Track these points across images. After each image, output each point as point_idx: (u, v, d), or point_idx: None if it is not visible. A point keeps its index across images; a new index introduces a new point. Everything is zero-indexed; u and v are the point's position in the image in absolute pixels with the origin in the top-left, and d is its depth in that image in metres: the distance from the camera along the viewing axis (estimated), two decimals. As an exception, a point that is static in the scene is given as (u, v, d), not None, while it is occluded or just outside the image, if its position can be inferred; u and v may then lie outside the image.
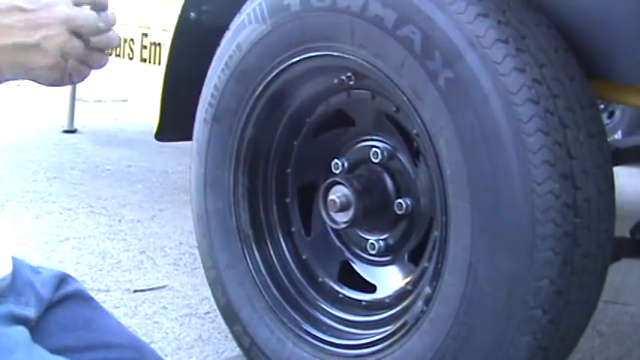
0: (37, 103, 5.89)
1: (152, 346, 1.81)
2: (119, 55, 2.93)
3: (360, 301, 1.81)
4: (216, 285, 1.95)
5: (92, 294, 1.24)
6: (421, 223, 1.70)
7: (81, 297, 1.19)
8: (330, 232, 1.87)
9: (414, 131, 1.59)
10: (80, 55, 0.95)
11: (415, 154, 1.69)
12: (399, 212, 1.69)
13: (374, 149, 1.75)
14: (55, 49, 0.93)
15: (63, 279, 1.18)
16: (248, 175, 1.90)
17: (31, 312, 1.08)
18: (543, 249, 1.36)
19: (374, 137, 1.77)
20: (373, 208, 1.71)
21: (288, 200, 1.94)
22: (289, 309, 1.84)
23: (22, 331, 1.03)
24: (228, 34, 1.86)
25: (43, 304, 1.12)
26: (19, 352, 0.99)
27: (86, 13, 0.95)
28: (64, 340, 1.11)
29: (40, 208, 3.22)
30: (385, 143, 1.75)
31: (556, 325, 1.42)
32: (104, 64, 0.98)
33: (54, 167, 3.92)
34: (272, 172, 1.93)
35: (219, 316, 2.00)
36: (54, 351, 1.05)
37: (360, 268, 1.84)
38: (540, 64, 1.41)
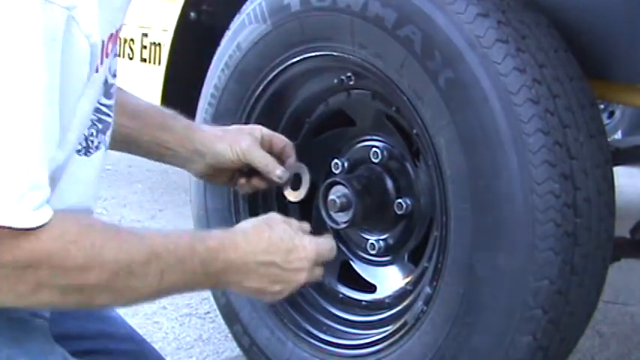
0: (37, 103, 5.88)
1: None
2: (119, 55, 2.93)
3: (360, 301, 1.81)
4: (216, 285, 1.95)
5: (92, 294, 1.24)
6: (421, 223, 1.70)
7: None
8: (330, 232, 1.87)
9: (414, 131, 1.59)
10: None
11: (415, 154, 1.69)
12: (399, 212, 1.69)
13: (374, 149, 1.74)
14: (278, 297, 1.15)
15: None
16: (248, 175, 1.90)
17: (47, 313, 1.09)
18: (543, 249, 1.36)
19: (374, 137, 1.77)
20: (373, 208, 1.71)
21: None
22: (289, 309, 1.84)
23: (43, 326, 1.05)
24: (228, 34, 1.85)
25: None
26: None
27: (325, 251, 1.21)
28: (65, 325, 1.11)
29: (40, 208, 3.21)
30: (385, 143, 1.75)
31: (556, 325, 1.42)
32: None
33: (54, 167, 3.91)
34: (272, 172, 1.92)
35: (219, 316, 2.00)
36: (55, 336, 1.05)
37: (360, 268, 1.84)
38: (540, 64, 1.41)
